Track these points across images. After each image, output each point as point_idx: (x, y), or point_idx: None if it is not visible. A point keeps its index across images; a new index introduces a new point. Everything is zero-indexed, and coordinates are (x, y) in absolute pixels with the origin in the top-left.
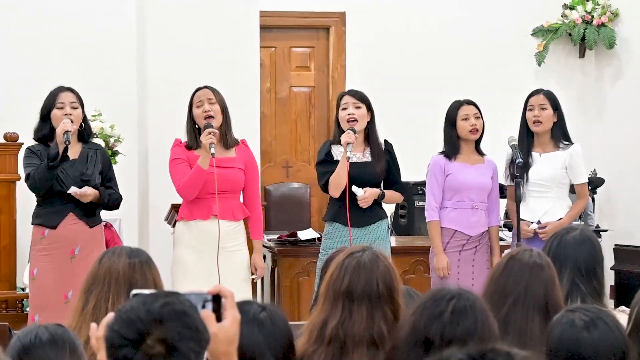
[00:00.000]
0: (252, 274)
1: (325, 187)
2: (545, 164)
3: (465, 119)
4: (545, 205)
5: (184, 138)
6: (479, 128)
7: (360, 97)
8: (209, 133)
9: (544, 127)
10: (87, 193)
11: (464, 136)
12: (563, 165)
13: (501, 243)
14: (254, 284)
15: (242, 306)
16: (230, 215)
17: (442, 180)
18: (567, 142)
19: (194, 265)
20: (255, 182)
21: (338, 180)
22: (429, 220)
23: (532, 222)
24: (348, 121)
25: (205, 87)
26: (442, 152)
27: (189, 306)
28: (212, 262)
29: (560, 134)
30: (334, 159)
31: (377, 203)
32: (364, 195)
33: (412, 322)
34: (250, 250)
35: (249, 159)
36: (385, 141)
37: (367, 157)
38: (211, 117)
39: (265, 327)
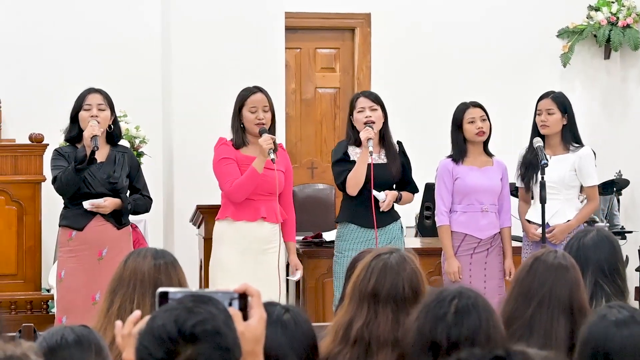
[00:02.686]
0: (289, 274)
1: (342, 186)
2: (555, 166)
3: (472, 122)
4: (554, 207)
5: (226, 135)
6: (486, 130)
7: (375, 99)
8: (269, 139)
9: (551, 131)
10: (103, 205)
11: (471, 139)
12: (572, 167)
13: (514, 244)
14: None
15: (266, 307)
16: (274, 217)
17: (451, 184)
18: (577, 145)
19: (236, 266)
20: (291, 184)
21: (358, 177)
22: (439, 225)
23: (540, 226)
24: (365, 124)
25: (260, 90)
26: (449, 156)
27: (222, 321)
28: (255, 264)
29: (570, 137)
30: (351, 159)
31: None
32: (388, 199)
33: (417, 327)
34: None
35: (287, 162)
36: (398, 142)
37: (383, 159)
38: (263, 124)
39: (288, 329)
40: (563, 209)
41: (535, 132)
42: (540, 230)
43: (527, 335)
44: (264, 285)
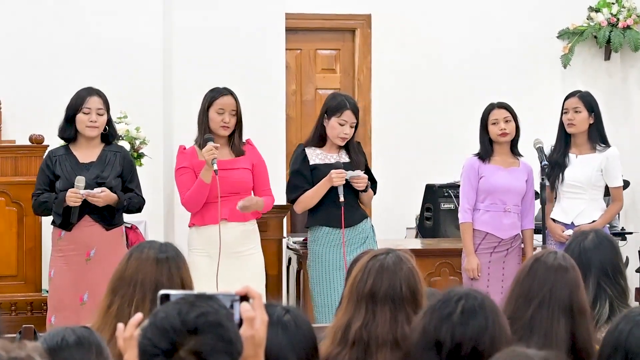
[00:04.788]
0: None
1: (292, 202)
2: (581, 166)
3: (495, 123)
4: (579, 207)
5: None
6: (509, 132)
7: (357, 113)
8: (212, 149)
9: (578, 129)
10: (98, 195)
11: (495, 140)
12: (599, 167)
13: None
14: (279, 285)
15: (266, 308)
16: (241, 216)
17: (476, 182)
18: (604, 145)
19: (208, 271)
20: (266, 177)
21: (310, 204)
22: (461, 221)
23: (567, 225)
24: (341, 138)
25: (230, 93)
26: (476, 154)
27: (224, 315)
28: (223, 267)
29: (597, 136)
30: (311, 163)
31: (358, 201)
32: (363, 175)
33: (422, 325)
34: (264, 251)
35: (256, 156)
36: (357, 142)
37: (345, 158)
38: (227, 128)
39: (289, 330)
40: (588, 209)
41: (562, 131)
42: (567, 232)
43: (528, 335)
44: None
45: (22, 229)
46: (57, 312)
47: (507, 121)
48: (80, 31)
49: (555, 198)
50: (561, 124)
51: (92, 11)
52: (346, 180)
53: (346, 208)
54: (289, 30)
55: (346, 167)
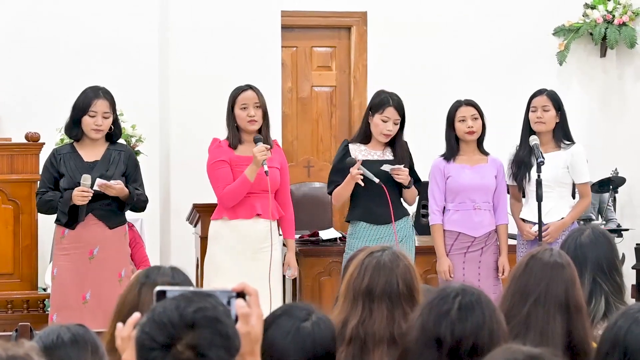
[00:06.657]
0: (285, 272)
1: (330, 195)
2: (547, 164)
3: (462, 121)
4: (547, 205)
5: (221, 135)
6: (477, 129)
7: (402, 109)
8: (264, 150)
9: (547, 127)
10: (113, 186)
11: (462, 137)
12: (565, 164)
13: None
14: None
15: (291, 311)
16: (270, 214)
17: (443, 183)
18: (568, 142)
19: (230, 265)
20: (288, 181)
21: (342, 196)
22: (431, 224)
23: (535, 224)
24: (384, 135)
25: (250, 88)
26: (442, 155)
27: (222, 312)
28: (248, 263)
29: (561, 134)
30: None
31: (400, 198)
32: (405, 173)
33: (421, 323)
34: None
35: (282, 159)
36: (405, 142)
37: (390, 156)
38: (254, 121)
39: (308, 335)
40: (556, 206)
41: (527, 129)
42: (534, 228)
43: (524, 333)
44: (256, 285)
45: (18, 227)
46: (59, 311)
47: (474, 119)
48: (76, 28)
49: (524, 197)
50: (525, 123)
51: (88, 8)
52: (388, 173)
53: (385, 205)
54: (284, 27)
55: (390, 163)
